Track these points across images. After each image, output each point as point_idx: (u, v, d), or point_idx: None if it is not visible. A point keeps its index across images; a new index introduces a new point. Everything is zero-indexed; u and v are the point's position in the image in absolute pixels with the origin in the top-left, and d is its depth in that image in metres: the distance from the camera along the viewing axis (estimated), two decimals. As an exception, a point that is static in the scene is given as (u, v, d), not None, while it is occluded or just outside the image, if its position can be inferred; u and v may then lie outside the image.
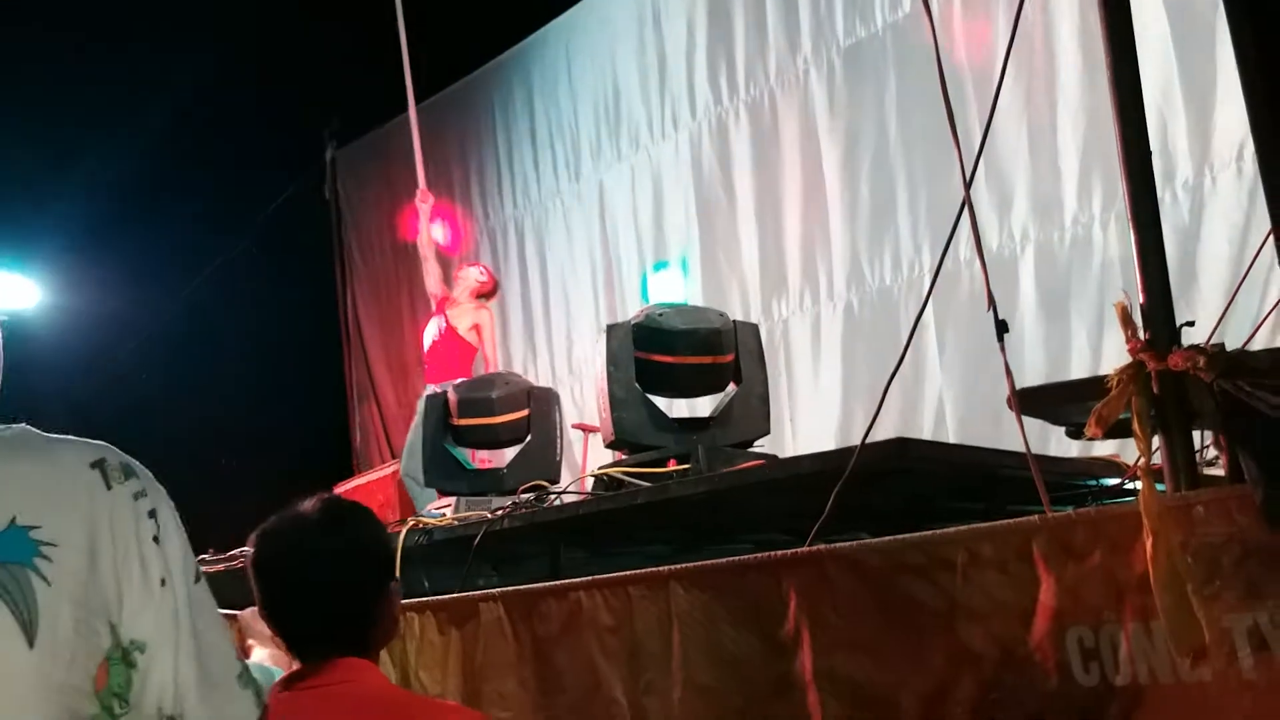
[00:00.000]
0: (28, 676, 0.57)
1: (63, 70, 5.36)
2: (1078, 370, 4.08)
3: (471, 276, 5.05)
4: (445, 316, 4.98)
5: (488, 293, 5.07)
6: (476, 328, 4.95)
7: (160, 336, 5.69)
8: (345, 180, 6.52)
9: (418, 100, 5.28)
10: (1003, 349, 1.62)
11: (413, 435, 4.62)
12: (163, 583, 0.64)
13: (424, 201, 5.22)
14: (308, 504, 1.40)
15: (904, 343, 4.49)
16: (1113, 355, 3.95)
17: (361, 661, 1.41)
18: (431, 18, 5.46)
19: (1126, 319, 1.49)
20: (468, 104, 6.30)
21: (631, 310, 5.50)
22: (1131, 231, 1.56)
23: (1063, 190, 4.23)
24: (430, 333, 5.01)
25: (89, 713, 0.60)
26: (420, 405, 4.81)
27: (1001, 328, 1.60)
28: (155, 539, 0.64)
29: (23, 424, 0.62)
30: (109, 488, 0.62)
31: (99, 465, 0.62)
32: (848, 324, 4.70)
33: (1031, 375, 4.20)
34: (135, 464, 0.64)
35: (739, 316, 5.00)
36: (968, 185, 1.65)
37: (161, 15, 5.35)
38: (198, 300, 5.81)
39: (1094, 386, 1.51)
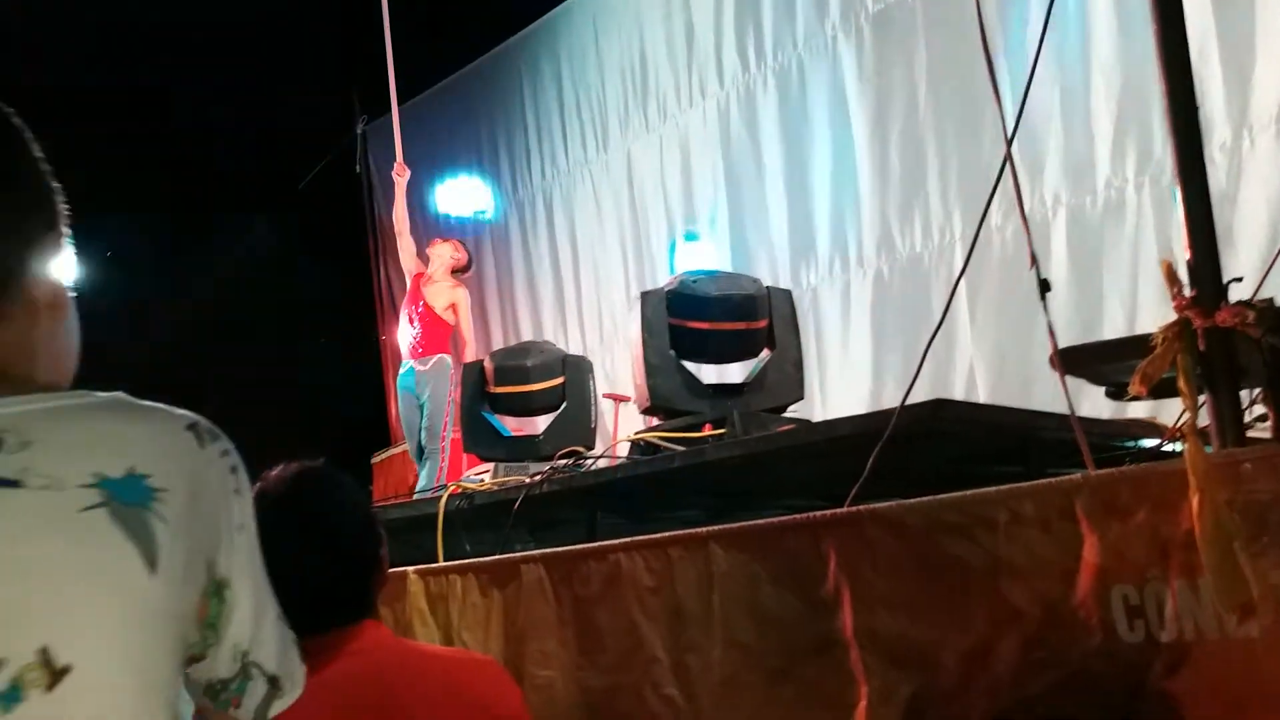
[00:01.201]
0: (153, 601, 0.64)
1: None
2: (1110, 335, 4.05)
3: (446, 253, 5.03)
4: (421, 293, 4.98)
5: (462, 268, 5.07)
6: (453, 306, 4.95)
7: (195, 312, 5.76)
8: (376, 154, 6.56)
9: (445, 74, 5.28)
10: (1045, 308, 1.61)
11: (434, 410, 4.68)
12: (240, 529, 0.72)
13: (400, 175, 5.20)
14: (276, 482, 1.41)
15: (935, 310, 4.50)
16: (1147, 319, 3.92)
17: (378, 623, 1.46)
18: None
19: (1172, 275, 1.48)
20: (495, 77, 6.29)
21: (661, 280, 5.53)
22: (1177, 187, 1.55)
23: (1095, 153, 4.19)
24: (407, 312, 5.03)
25: (193, 639, 0.68)
26: (405, 369, 4.83)
27: (1044, 286, 1.59)
28: (236, 491, 0.72)
29: (119, 392, 0.69)
30: (202, 447, 0.70)
31: (192, 428, 0.70)
32: (878, 291, 4.68)
33: (1064, 340, 4.17)
34: (218, 429, 0.73)
35: (767, 283, 5.02)
36: (1009, 141, 1.63)
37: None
38: (232, 275, 5.87)
39: (1138, 345, 1.50)
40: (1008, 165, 1.68)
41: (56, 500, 0.62)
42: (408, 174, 5.21)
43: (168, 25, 5.37)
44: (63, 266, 0.73)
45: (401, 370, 4.98)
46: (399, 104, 5.55)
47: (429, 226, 5.83)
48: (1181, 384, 1.44)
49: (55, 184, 0.73)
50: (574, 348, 5.75)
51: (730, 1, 5.19)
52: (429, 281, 5.00)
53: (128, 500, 0.63)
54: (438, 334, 4.91)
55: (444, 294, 4.95)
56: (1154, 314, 4.01)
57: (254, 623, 0.73)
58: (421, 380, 4.84)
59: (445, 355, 4.91)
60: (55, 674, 0.59)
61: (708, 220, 5.32)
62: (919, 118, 4.61)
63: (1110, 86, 4.08)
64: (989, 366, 4.27)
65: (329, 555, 1.40)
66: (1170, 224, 3.91)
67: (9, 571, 0.60)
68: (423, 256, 5.12)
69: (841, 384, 4.66)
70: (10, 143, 0.71)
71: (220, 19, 5.50)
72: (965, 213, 4.48)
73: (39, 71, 5.09)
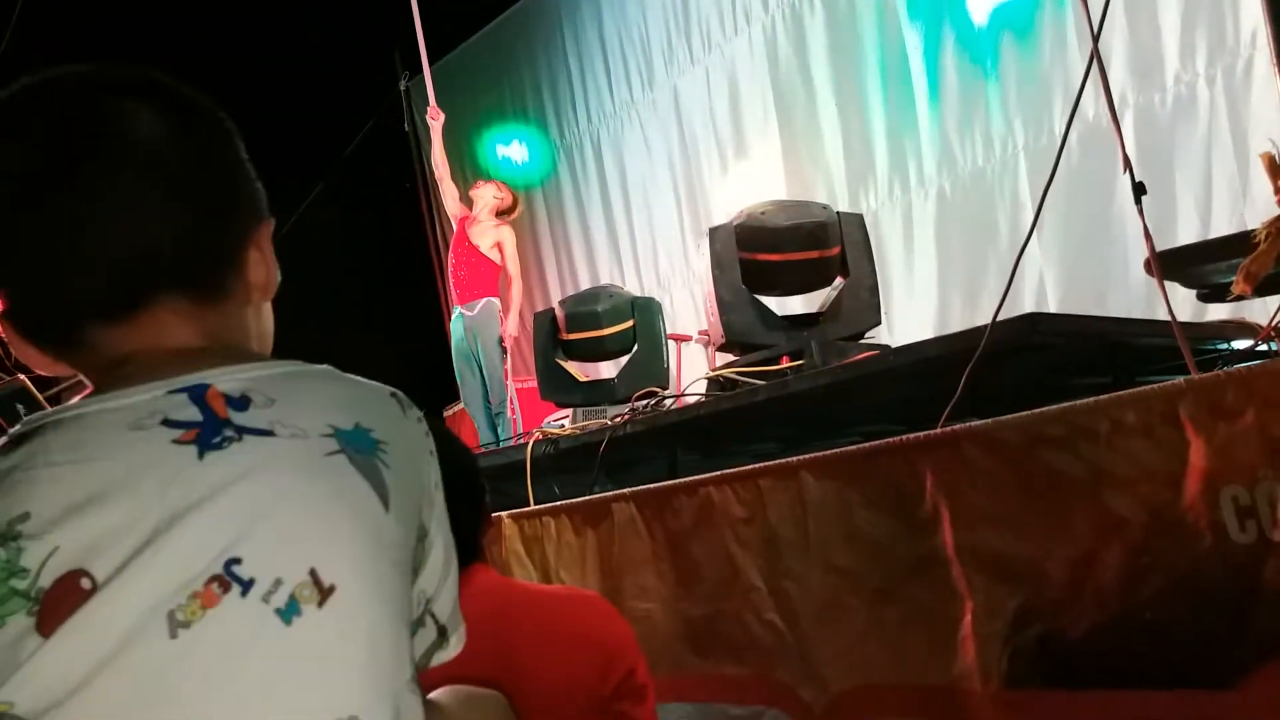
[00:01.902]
0: (389, 536, 0.71)
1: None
2: (1185, 239, 3.93)
3: (489, 194, 5.02)
4: (467, 235, 4.98)
5: (507, 209, 5.06)
6: (499, 245, 4.94)
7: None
8: (421, 110, 6.54)
9: (485, 22, 5.21)
10: (1140, 210, 1.57)
11: (497, 380, 4.72)
12: (438, 487, 0.79)
13: (434, 119, 5.16)
14: None
15: (1001, 226, 4.40)
16: (1223, 220, 3.80)
17: (487, 566, 1.51)
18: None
19: (1275, 168, 1.43)
20: (535, 21, 6.22)
21: (717, 218, 5.49)
22: (1275, 70, 1.48)
23: (1163, 48, 4.02)
24: (453, 255, 5.03)
25: (409, 574, 0.75)
26: (455, 315, 4.86)
27: (1139, 189, 1.55)
28: (432, 453, 0.79)
29: (327, 365, 0.76)
30: (404, 413, 0.77)
31: (394, 396, 0.78)
32: (940, 211, 4.59)
33: (1135, 246, 4.06)
34: (409, 400, 0.80)
35: (827, 211, 4.96)
36: (1095, 38, 1.57)
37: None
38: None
39: (1239, 244, 1.46)
40: (1094, 66, 1.62)
41: (305, 446, 0.69)
42: (442, 117, 5.18)
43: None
44: (271, 248, 0.80)
45: (452, 318, 5.02)
46: (439, 58, 5.52)
47: (479, 177, 5.83)
48: (1288, 280, 1.40)
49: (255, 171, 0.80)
50: (631, 289, 5.75)
51: (771, -79, 5.04)
52: (473, 223, 5.00)
53: (359, 448, 0.70)
54: (484, 275, 4.92)
55: (489, 234, 4.95)
56: (1230, 214, 3.89)
57: (441, 575, 0.79)
58: (471, 330, 4.85)
59: (493, 299, 4.92)
60: (325, 592, 0.66)
61: (760, 151, 5.24)
62: (973, 27, 4.46)
63: (1178, -26, 3.90)
64: (1058, 277, 4.18)
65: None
66: (1246, 118, 3.76)
67: (277, 502, 0.67)
68: (466, 200, 5.14)
69: (909, 308, 4.60)
70: (228, 136, 0.78)
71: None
72: (1026, 122, 4.35)
73: (67, 42, 5.15)
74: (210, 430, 0.67)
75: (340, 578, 0.67)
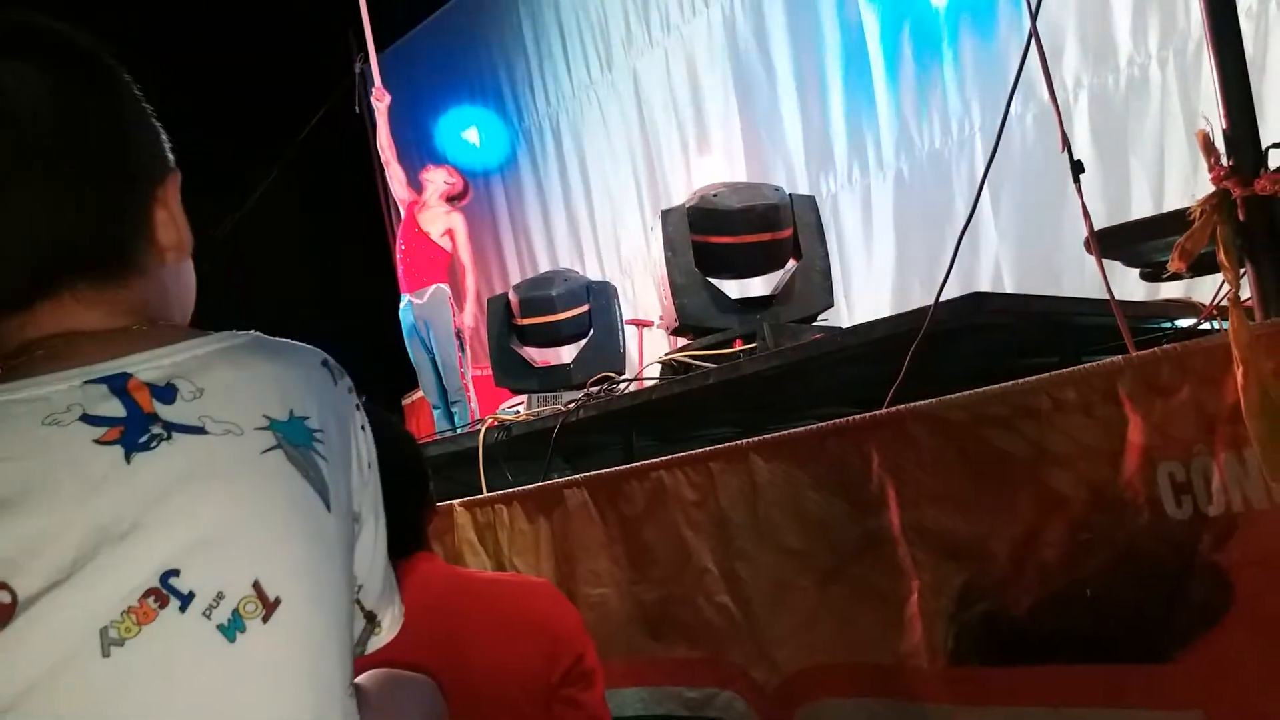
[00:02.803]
0: (332, 537, 0.67)
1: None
2: (1140, 217, 3.97)
3: (440, 179, 4.93)
4: (416, 221, 4.91)
5: (457, 194, 4.97)
6: (449, 232, 4.86)
7: (210, 270, 5.75)
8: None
9: (440, 4, 5.12)
10: (1079, 190, 1.58)
11: (450, 367, 4.65)
12: (370, 465, 0.75)
13: (379, 100, 5.05)
14: None
15: (958, 207, 4.43)
16: (1175, 200, 3.84)
17: (431, 554, 1.50)
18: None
19: (1209, 146, 1.44)
20: (491, 1, 6.14)
21: (677, 200, 5.46)
22: (1209, 53, 1.50)
23: (1114, 30, 4.06)
24: (402, 241, 4.93)
25: (351, 575, 0.72)
26: (404, 304, 4.78)
27: (1077, 168, 1.55)
28: (363, 427, 0.74)
29: (252, 331, 0.71)
30: (335, 383, 0.72)
31: (325, 364, 0.72)
32: (899, 193, 4.61)
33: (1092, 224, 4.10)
34: (339, 365, 0.75)
35: (786, 195, 4.96)
36: (1034, 15, 1.57)
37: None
38: (244, 229, 5.86)
39: (1175, 221, 1.47)
40: (1032, 46, 1.63)
41: (239, 444, 0.64)
42: (387, 99, 5.07)
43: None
44: (178, 202, 0.74)
45: (401, 306, 4.92)
46: (394, 40, 5.43)
47: (434, 162, 5.76)
48: (1222, 256, 1.42)
49: (158, 124, 0.73)
50: (593, 275, 5.72)
51: (727, -103, 5.01)
52: (423, 208, 4.90)
53: (294, 441, 0.66)
54: (433, 262, 4.83)
55: (439, 220, 4.86)
56: (1182, 195, 3.95)
57: (371, 557, 0.75)
58: (421, 317, 4.77)
59: (442, 285, 4.84)
60: (270, 605, 0.62)
61: (720, 133, 5.23)
62: (931, 7, 4.47)
63: (1127, -44, 3.93)
64: (1014, 258, 4.22)
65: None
66: (1196, 98, 3.80)
67: (214, 509, 0.63)
68: (415, 185, 5.05)
69: (868, 290, 4.62)
70: (117, 85, 0.71)
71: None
72: (983, 102, 4.38)
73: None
74: (136, 428, 0.62)
75: (285, 589, 0.63)
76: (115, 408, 0.62)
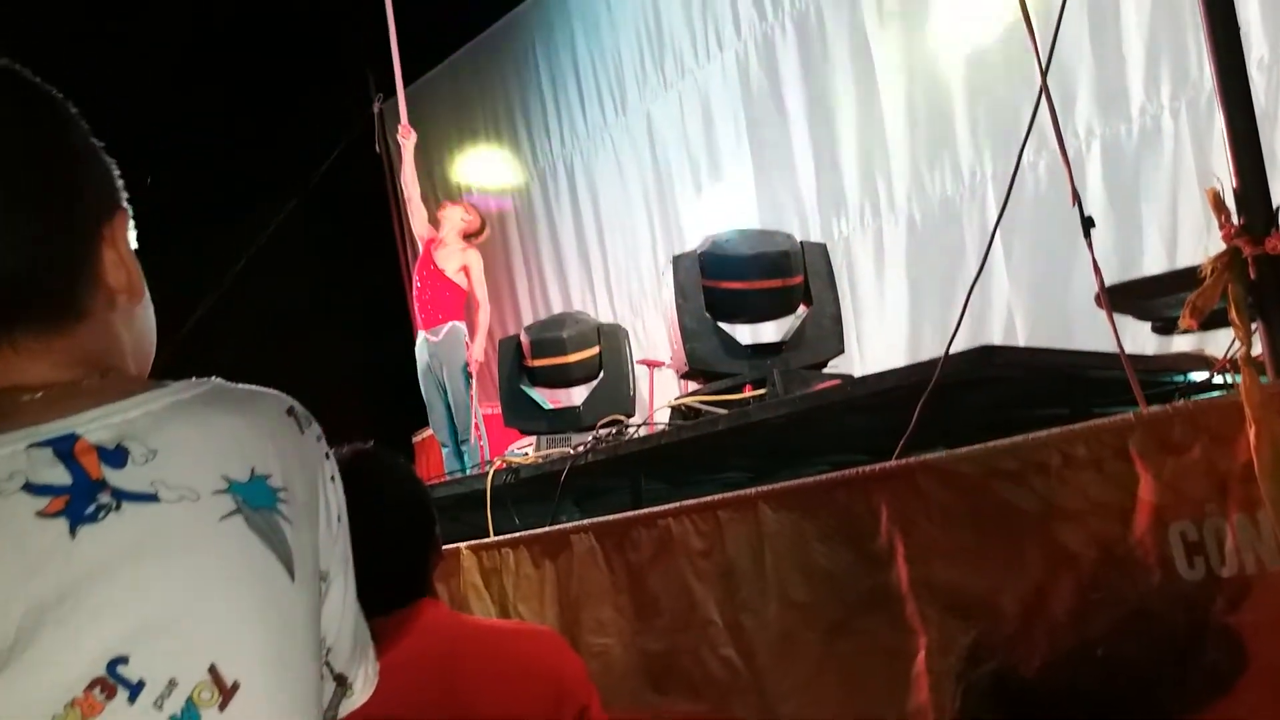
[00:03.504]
0: (298, 609, 0.63)
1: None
2: (1151, 269, 3.97)
3: (456, 216, 4.94)
4: (432, 258, 4.92)
5: (475, 232, 4.98)
6: (465, 269, 4.85)
7: (223, 305, 5.81)
8: (394, 131, 6.53)
9: (458, 46, 5.21)
10: (1090, 245, 1.58)
11: (462, 407, 4.65)
12: (339, 519, 0.70)
13: (405, 137, 5.08)
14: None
15: (970, 253, 4.43)
16: (1188, 250, 3.84)
17: (436, 601, 1.48)
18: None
19: (1219, 204, 1.44)
20: (509, 44, 6.23)
21: (689, 241, 5.49)
22: (1220, 109, 1.50)
23: (1128, 79, 4.07)
24: (418, 277, 4.95)
25: (319, 648, 0.67)
26: (420, 342, 4.80)
27: (1088, 223, 1.56)
28: (332, 478, 0.69)
29: (214, 378, 0.66)
30: (301, 432, 0.67)
31: (291, 412, 0.67)
32: (911, 238, 4.62)
33: (1105, 276, 4.09)
34: (309, 412, 0.70)
35: (798, 236, 4.96)
36: (1044, 72, 1.58)
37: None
38: (259, 264, 5.91)
39: (1186, 278, 1.47)
40: (1043, 100, 1.64)
41: (195, 512, 0.59)
42: (413, 136, 5.09)
43: (171, 16, 5.36)
44: (129, 242, 0.69)
45: (416, 343, 4.91)
46: (413, 80, 5.51)
47: (449, 199, 5.81)
48: (1233, 314, 1.41)
49: (108, 157, 0.69)
50: (604, 315, 5.75)
51: (744, -54, 5.09)
52: (440, 245, 4.91)
53: (256, 504, 0.61)
54: (449, 299, 4.83)
55: (455, 257, 4.86)
56: (1195, 244, 3.94)
57: (339, 618, 0.71)
58: (436, 355, 4.77)
59: (457, 323, 4.85)
60: (227, 692, 0.58)
61: (733, 175, 5.26)
62: (943, 56, 4.51)
63: (1140, 7, 3.96)
64: (1027, 306, 4.21)
65: (385, 538, 1.40)
66: (1210, 150, 3.81)
67: (167, 587, 0.58)
68: (434, 221, 5.08)
69: (879, 334, 4.62)
70: (60, 121, 0.67)
71: (230, 11, 5.49)
72: (996, 151, 4.39)
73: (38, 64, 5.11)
74: (82, 498, 0.57)
75: (244, 672, 0.58)
76: (60, 475, 0.58)
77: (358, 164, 6.16)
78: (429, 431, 5.09)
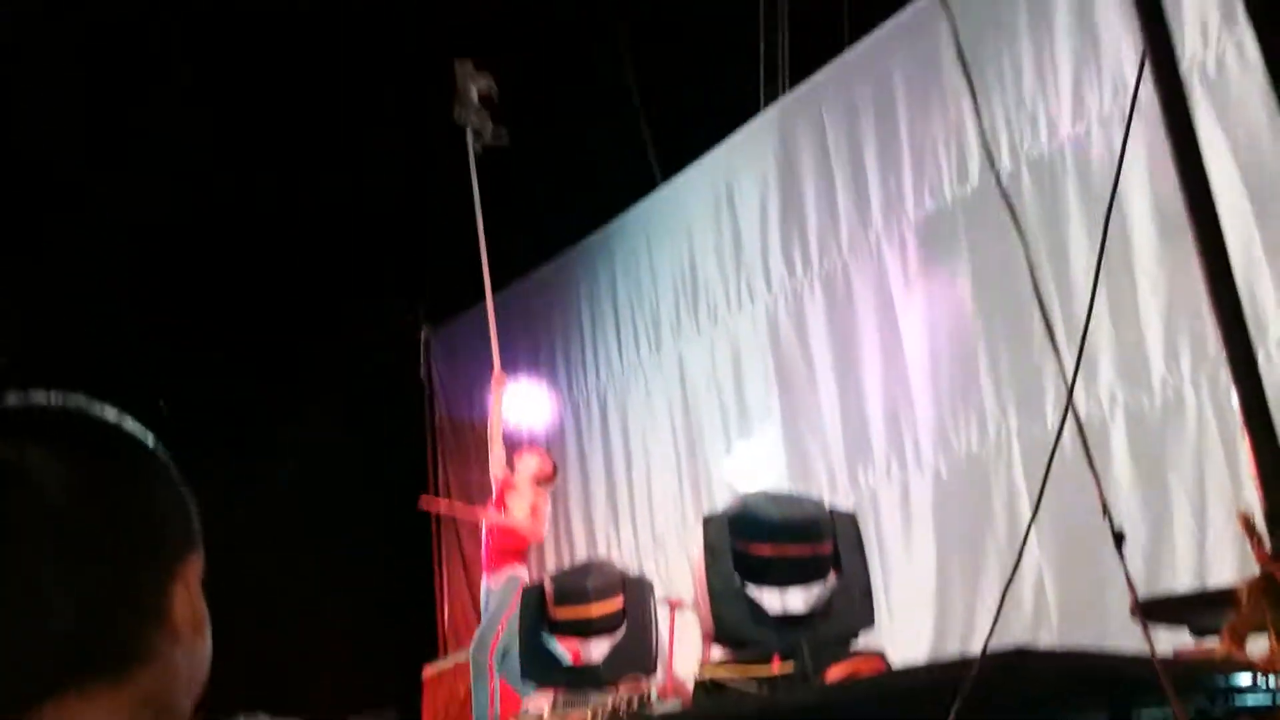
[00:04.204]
0: None
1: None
2: (1181, 539, 3.92)
3: (533, 463, 5.09)
4: (505, 502, 5.01)
5: (547, 478, 5.09)
6: (534, 509, 4.95)
7: (258, 514, 5.85)
8: (439, 360, 6.82)
9: (509, 282, 5.49)
10: (1123, 559, 1.59)
11: (484, 628, 4.57)
12: None
13: (499, 385, 5.34)
14: None
15: (997, 511, 4.41)
16: (1219, 522, 3.80)
17: None
18: (522, 203, 5.80)
19: (1250, 529, 1.45)
20: (555, 284, 6.58)
21: (715, 478, 5.53)
22: (1245, 433, 1.53)
23: (1148, 350, 4.18)
24: (488, 519, 5.05)
25: None
26: (483, 588, 4.81)
27: (1119, 539, 1.57)
28: None
29: (260, 715, 0.69)
30: None
31: None
32: (938, 492, 4.62)
33: (1131, 544, 4.01)
34: None
35: (825, 485, 4.99)
36: (1070, 389, 1.65)
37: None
38: (294, 476, 5.99)
39: (1220, 598, 1.46)
40: (1067, 409, 1.70)
41: None
42: (506, 383, 5.32)
43: (229, 230, 5.74)
44: (199, 579, 0.71)
45: (482, 588, 4.95)
46: (460, 312, 5.78)
47: (528, 447, 5.92)
48: (1274, 642, 1.39)
49: (191, 499, 0.72)
50: (626, 547, 5.71)
51: (775, 211, 5.43)
52: (511, 489, 5.04)
53: None
54: (513, 542, 4.90)
55: (525, 500, 4.97)
56: (1225, 518, 3.90)
57: None
58: (489, 600, 4.79)
59: (517, 570, 4.87)
60: None
61: (761, 419, 5.37)
62: (967, 317, 4.68)
63: (1156, 287, 4.12)
64: (1059, 575, 4.12)
65: None
66: (1234, 424, 3.84)
67: None
68: (511, 465, 5.19)
69: (907, 590, 4.53)
70: (151, 464, 0.70)
71: (288, 235, 5.88)
72: (1020, 409, 4.46)
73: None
74: None
75: None
76: None
77: (396, 391, 6.36)
78: (440, 666, 4.96)
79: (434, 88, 5.56)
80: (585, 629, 3.02)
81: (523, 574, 4.82)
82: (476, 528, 5.42)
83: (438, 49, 5.56)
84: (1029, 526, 1.88)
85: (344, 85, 5.78)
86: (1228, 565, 3.64)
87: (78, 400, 0.69)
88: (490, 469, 5.24)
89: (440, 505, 5.86)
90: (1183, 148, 1.52)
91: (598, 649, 3.09)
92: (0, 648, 0.62)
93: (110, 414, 0.70)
